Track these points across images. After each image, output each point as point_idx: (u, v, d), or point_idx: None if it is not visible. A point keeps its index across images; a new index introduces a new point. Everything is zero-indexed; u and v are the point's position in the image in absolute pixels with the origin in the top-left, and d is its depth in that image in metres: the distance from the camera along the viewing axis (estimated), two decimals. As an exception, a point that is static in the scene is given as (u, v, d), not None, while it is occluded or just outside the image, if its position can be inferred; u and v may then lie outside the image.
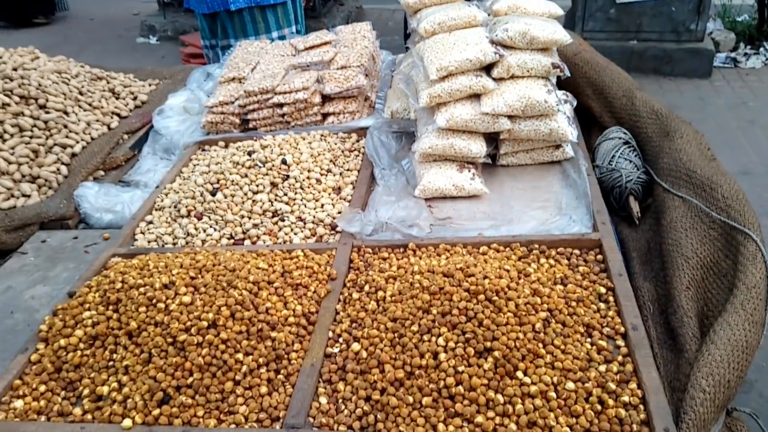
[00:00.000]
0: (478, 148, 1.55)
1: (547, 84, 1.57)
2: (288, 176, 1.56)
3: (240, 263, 1.31)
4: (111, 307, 1.20)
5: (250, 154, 1.63)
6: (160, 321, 1.14)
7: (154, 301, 1.17)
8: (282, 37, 2.84)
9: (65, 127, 1.84)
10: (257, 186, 1.55)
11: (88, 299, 1.24)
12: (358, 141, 1.84)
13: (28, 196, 1.66)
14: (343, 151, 1.76)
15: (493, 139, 1.62)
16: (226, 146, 1.88)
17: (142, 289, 1.20)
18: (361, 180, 1.65)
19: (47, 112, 1.84)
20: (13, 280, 1.43)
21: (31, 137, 1.77)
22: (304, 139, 1.76)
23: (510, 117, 1.56)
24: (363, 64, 1.97)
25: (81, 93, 2.00)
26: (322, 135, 1.84)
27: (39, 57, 2.08)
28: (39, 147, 1.75)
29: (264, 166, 1.58)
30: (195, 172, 1.72)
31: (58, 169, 1.75)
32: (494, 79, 1.58)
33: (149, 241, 1.51)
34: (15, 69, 1.92)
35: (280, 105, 1.89)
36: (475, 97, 1.59)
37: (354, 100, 1.93)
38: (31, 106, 1.83)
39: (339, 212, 1.53)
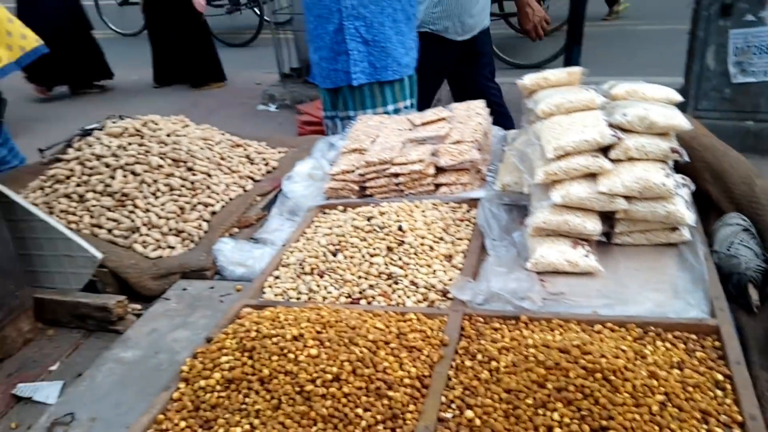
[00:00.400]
0: (593, 225, 1.60)
1: (665, 167, 1.60)
2: (403, 242, 1.67)
3: (359, 321, 1.41)
4: (246, 354, 1.32)
5: (369, 219, 1.76)
6: (289, 370, 1.25)
7: (285, 351, 1.28)
8: (397, 111, 3.02)
9: (208, 188, 2.05)
10: (374, 249, 1.66)
11: (225, 345, 1.37)
12: (468, 211, 1.93)
13: (173, 248, 1.86)
14: (454, 221, 1.85)
15: (608, 217, 1.66)
16: (345, 210, 2.02)
17: (274, 339, 1.32)
18: (472, 249, 1.72)
19: (194, 174, 2.07)
20: (158, 323, 1.60)
21: (179, 196, 1.99)
22: (417, 207, 1.87)
23: (626, 197, 1.59)
24: (477, 139, 2.08)
25: (222, 158, 2.23)
26: (434, 204, 1.94)
27: (188, 125, 2.35)
28: (185, 205, 1.97)
29: (381, 231, 1.69)
30: (317, 233, 1.86)
31: (200, 225, 1.94)
32: (611, 160, 1.64)
33: (276, 295, 1.64)
34: (168, 135, 2.18)
35: (397, 175, 2.03)
36: (591, 176, 1.65)
37: (466, 173, 2.03)
38: (180, 168, 2.07)
39: (450, 279, 1.60)
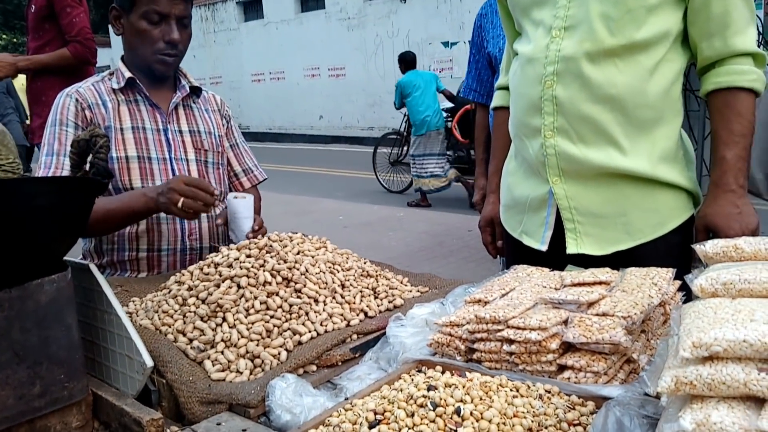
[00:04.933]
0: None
1: None
2: (456, 433, 1.23)
3: None
4: None
5: (429, 389, 1.36)
6: None
7: None
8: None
9: (306, 314, 1.88)
10: (417, 434, 1.25)
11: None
12: (592, 414, 1.39)
13: (241, 373, 1.69)
14: (557, 423, 1.33)
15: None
16: (443, 372, 1.64)
17: None
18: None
19: (299, 297, 1.92)
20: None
21: (271, 317, 1.84)
22: (502, 388, 1.40)
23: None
24: (631, 316, 1.54)
25: (342, 285, 2.06)
26: (548, 391, 1.45)
27: (327, 247, 2.24)
28: (274, 328, 1.81)
29: (434, 410, 1.28)
30: (391, 392, 1.51)
31: (278, 354, 1.76)
32: (793, 382, 1.01)
33: (294, 460, 1.33)
34: (297, 253, 2.09)
35: (510, 341, 1.59)
36: (755, 400, 1.03)
37: (603, 359, 1.49)
38: (289, 288, 1.94)
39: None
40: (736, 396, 1.04)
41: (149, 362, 1.59)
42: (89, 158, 1.73)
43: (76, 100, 2.51)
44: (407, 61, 10.98)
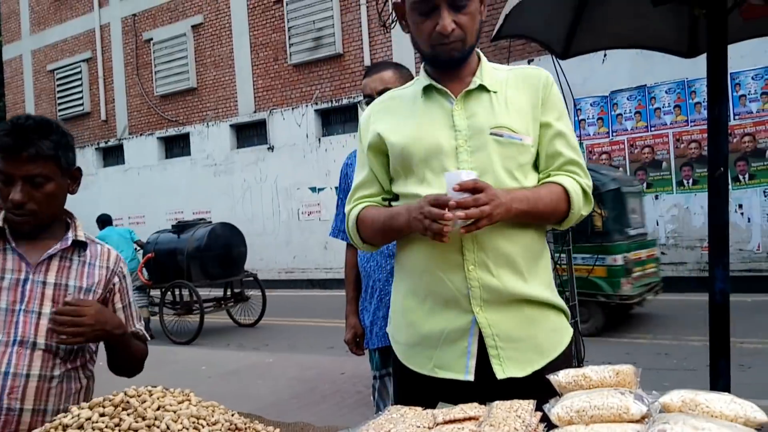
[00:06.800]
0: None
1: None
2: None
3: None
4: None
5: None
6: None
7: None
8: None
9: (166, 477, 1.72)
10: None
11: None
12: None
13: None
14: None
15: None
16: None
17: None
18: None
19: (158, 458, 1.76)
20: None
21: (126, 484, 1.66)
22: None
23: None
24: (499, 451, 1.58)
25: (207, 442, 1.92)
26: None
27: (191, 400, 2.11)
28: (129, 496, 1.63)
29: None
30: None
31: None
32: (646, 503, 1.09)
33: None
34: (157, 408, 1.94)
35: (387, 490, 1.55)
36: None
37: (478, 498, 1.50)
38: (147, 449, 1.78)
39: None
40: None
41: None
42: None
43: None
44: (103, 221, 13.75)
